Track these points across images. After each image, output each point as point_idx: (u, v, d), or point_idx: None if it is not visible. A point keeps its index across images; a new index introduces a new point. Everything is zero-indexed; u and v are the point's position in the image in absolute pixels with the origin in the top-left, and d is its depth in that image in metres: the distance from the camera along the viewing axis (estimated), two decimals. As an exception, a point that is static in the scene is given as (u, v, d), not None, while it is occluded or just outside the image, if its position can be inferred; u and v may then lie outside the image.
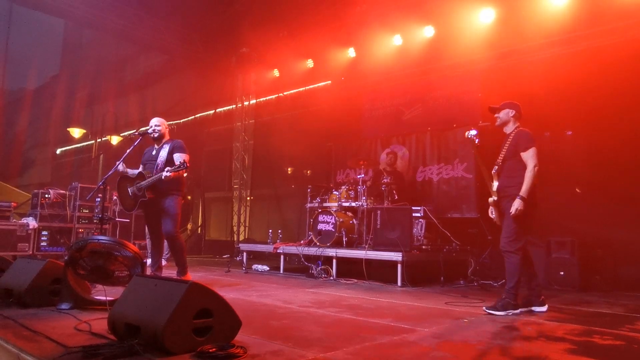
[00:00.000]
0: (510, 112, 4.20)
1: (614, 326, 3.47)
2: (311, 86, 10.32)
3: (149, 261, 5.30)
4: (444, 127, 7.88)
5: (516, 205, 3.88)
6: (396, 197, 7.09)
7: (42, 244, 7.50)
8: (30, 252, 7.24)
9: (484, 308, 3.96)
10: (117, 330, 2.51)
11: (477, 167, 6.50)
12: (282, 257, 7.21)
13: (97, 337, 2.61)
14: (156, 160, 4.96)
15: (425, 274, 6.01)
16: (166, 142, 5.09)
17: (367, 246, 6.33)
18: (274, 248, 7.22)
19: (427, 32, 8.12)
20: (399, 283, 5.65)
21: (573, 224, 6.12)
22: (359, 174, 7.10)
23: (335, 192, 7.33)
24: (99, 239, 3.43)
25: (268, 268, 7.32)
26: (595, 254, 5.91)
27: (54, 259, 3.71)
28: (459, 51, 7.59)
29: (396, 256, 5.70)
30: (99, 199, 6.86)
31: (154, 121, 5.13)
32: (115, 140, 12.70)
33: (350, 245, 6.60)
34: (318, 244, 6.71)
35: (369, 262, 6.02)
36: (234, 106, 12.15)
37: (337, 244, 6.54)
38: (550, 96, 6.22)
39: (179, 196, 4.97)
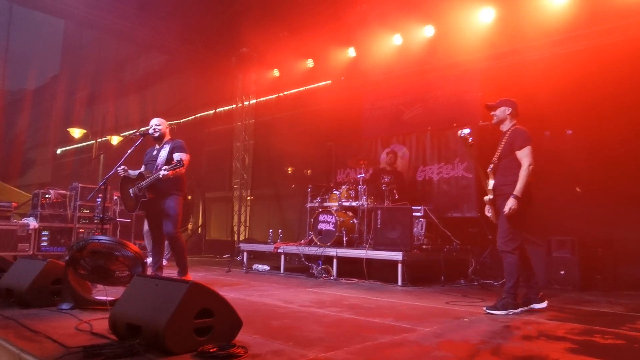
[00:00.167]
0: (507, 110, 4.17)
1: (614, 325, 3.47)
2: (311, 86, 10.31)
3: (149, 261, 5.30)
4: (444, 126, 7.88)
5: (510, 204, 3.88)
6: (396, 197, 7.09)
7: (42, 244, 7.50)
8: (31, 252, 7.24)
9: (484, 308, 3.95)
10: (118, 330, 2.52)
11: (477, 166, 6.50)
12: (282, 256, 7.21)
13: (98, 337, 2.62)
14: (156, 160, 4.98)
15: (426, 274, 6.02)
16: (167, 142, 5.10)
17: (367, 246, 6.33)
18: (275, 248, 7.21)
19: (427, 31, 8.12)
20: (400, 282, 5.66)
21: (573, 223, 6.10)
22: (360, 174, 7.09)
23: (335, 192, 7.32)
24: (99, 239, 3.43)
25: (268, 268, 7.32)
26: (596, 253, 5.91)
27: (54, 259, 3.70)
28: (459, 50, 7.59)
29: (397, 256, 5.70)
30: (99, 199, 6.86)
31: (154, 121, 5.15)
32: (115, 140, 12.69)
33: (350, 244, 6.60)
34: (318, 243, 6.71)
35: (369, 261, 6.03)
36: (234, 106, 12.14)
37: (338, 244, 6.54)
38: (550, 95, 6.20)
39: (180, 196, 4.97)
